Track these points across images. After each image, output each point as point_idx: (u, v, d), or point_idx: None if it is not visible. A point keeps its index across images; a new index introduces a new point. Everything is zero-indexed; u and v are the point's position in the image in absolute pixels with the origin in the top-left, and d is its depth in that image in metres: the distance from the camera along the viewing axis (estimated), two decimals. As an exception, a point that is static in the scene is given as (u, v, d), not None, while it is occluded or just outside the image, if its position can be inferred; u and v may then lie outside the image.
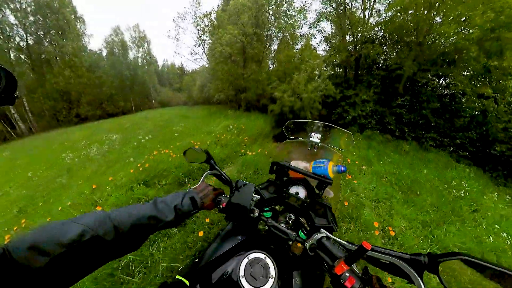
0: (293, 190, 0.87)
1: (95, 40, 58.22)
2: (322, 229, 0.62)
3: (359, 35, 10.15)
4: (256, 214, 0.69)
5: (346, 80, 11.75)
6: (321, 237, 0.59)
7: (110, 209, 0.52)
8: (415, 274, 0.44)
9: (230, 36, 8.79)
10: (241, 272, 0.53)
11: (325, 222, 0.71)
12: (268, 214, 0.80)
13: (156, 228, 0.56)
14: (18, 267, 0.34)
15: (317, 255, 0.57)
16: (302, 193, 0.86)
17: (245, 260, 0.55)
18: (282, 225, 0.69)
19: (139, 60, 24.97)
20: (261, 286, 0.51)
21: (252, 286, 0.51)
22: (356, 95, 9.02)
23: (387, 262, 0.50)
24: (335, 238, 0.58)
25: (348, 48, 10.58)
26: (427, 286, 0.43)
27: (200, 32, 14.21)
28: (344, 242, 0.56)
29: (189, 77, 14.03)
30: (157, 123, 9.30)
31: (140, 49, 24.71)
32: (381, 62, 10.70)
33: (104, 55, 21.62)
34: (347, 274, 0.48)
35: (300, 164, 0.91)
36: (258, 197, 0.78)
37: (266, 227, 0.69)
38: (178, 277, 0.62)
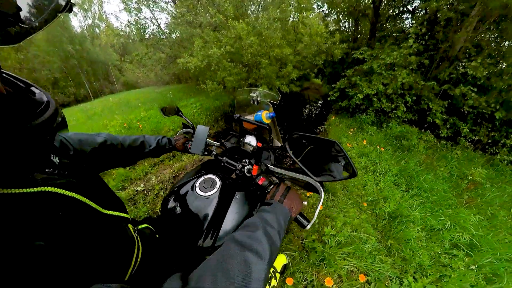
0: (247, 139, 1.19)
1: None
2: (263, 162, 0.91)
3: None
4: (214, 153, 1.02)
5: (355, 38, 7.51)
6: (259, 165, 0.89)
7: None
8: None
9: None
10: (197, 184, 0.80)
11: (269, 161, 1.04)
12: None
13: (142, 154, 0.90)
14: (75, 151, 0.63)
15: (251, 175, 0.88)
16: (253, 142, 1.18)
17: (202, 178, 0.83)
18: (232, 161, 0.97)
19: (96, 30, 20.03)
20: (207, 192, 0.77)
21: (202, 192, 0.78)
22: (374, 58, 5.09)
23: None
24: (267, 164, 0.88)
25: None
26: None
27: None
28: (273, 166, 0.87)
29: (144, 48, 8.16)
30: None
31: (89, 14, 19.56)
32: (419, 5, 6.16)
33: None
34: (260, 176, 0.80)
35: (248, 116, 1.25)
36: (218, 144, 1.10)
37: (222, 164, 0.99)
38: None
